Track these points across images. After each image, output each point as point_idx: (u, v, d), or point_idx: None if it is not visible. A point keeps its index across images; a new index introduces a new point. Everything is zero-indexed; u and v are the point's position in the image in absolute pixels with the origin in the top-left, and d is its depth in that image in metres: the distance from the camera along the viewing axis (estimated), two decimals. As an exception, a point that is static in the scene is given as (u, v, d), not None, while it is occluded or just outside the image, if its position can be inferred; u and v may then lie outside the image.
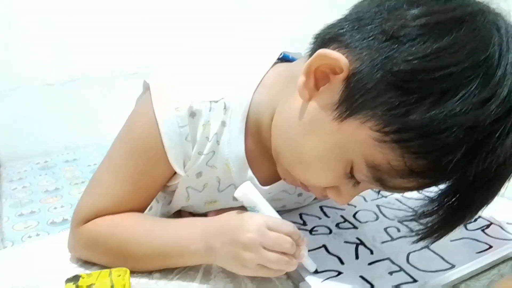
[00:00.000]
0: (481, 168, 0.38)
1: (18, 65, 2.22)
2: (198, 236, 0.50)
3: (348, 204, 0.66)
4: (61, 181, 2.04)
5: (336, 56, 0.42)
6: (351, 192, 0.48)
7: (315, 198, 0.67)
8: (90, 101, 2.36)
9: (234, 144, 0.54)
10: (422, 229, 0.44)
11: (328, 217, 0.63)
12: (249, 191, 0.48)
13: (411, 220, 0.44)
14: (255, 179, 0.56)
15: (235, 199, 0.57)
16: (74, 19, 2.23)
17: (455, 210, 0.42)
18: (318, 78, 0.45)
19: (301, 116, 0.47)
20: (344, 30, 0.43)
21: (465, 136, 0.37)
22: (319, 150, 0.46)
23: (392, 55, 0.39)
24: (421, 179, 0.41)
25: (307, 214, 0.64)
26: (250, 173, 0.55)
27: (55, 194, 1.92)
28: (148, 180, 0.55)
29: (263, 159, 0.55)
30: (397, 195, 0.68)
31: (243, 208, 0.51)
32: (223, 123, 0.53)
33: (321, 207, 0.66)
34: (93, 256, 0.55)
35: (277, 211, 0.50)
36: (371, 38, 0.40)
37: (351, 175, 0.45)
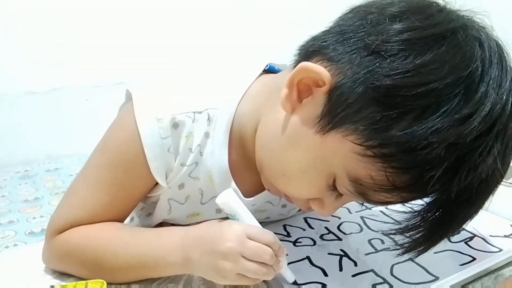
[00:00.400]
0: (463, 184, 0.38)
1: (0, 73, 2.18)
2: (176, 247, 0.48)
3: (333, 216, 0.65)
4: (41, 191, 2.00)
5: (318, 69, 0.42)
6: (334, 204, 0.48)
7: (300, 210, 0.66)
8: (73, 110, 2.33)
9: (218, 156, 0.53)
10: (406, 242, 0.43)
11: (312, 228, 0.63)
12: (230, 198, 0.47)
13: (395, 233, 0.44)
14: (239, 191, 0.55)
15: (218, 211, 0.57)
16: (58, 28, 2.21)
17: (439, 224, 0.42)
18: (301, 91, 0.44)
19: (284, 128, 0.47)
20: (327, 42, 0.43)
21: (446, 152, 0.37)
22: (301, 163, 0.45)
23: (374, 70, 0.39)
24: (404, 194, 0.41)
25: (291, 226, 0.63)
26: (233, 185, 0.55)
27: (34, 204, 1.88)
28: (127, 192, 0.54)
29: (247, 170, 0.54)
30: (381, 207, 0.67)
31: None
32: (207, 135, 0.52)
33: (305, 219, 0.65)
34: (67, 267, 0.54)
35: (261, 223, 0.49)
36: (353, 52, 0.40)
37: (333, 187, 0.45)
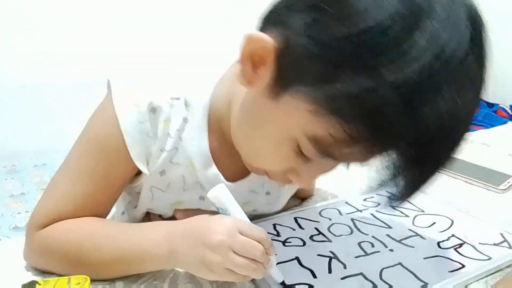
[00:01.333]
0: (421, 126, 0.37)
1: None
2: (162, 239, 0.47)
3: (323, 217, 0.65)
4: (28, 186, 1.98)
5: (260, 36, 0.41)
6: (310, 172, 0.47)
7: (286, 208, 0.66)
8: (63, 106, 2.31)
9: (197, 140, 0.53)
10: (389, 197, 0.44)
11: (303, 229, 0.62)
12: (222, 192, 0.46)
13: (375, 190, 0.44)
14: (221, 176, 0.55)
15: (201, 198, 0.57)
16: (52, 24, 2.20)
17: (413, 172, 0.41)
18: (256, 62, 0.43)
19: (247, 104, 0.47)
20: (276, 7, 0.43)
21: (394, 96, 0.36)
22: (264, 134, 0.45)
23: (312, 26, 0.38)
24: (367, 146, 0.39)
25: (281, 225, 0.63)
26: (215, 169, 0.55)
27: (20, 199, 1.85)
28: (109, 181, 0.53)
29: (228, 155, 0.54)
30: (371, 210, 0.67)
31: (210, 208, 0.51)
32: (185, 120, 0.52)
33: (295, 219, 0.65)
34: (49, 264, 0.52)
35: (251, 219, 0.48)
36: (294, 13, 0.40)
37: (301, 153, 0.44)
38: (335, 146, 0.40)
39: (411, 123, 0.36)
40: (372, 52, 0.36)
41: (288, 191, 0.66)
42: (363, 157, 0.42)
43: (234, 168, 0.56)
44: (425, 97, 0.36)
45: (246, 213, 0.48)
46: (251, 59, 0.43)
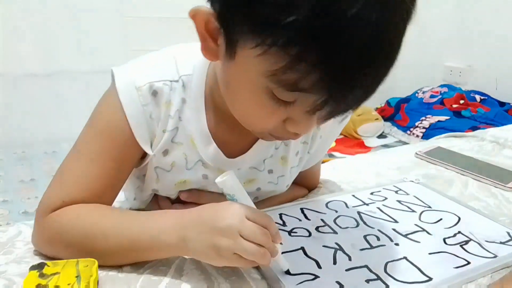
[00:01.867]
0: (328, 19, 0.37)
1: (2, 54, 2.17)
2: (171, 227, 0.48)
3: (329, 209, 0.65)
4: (38, 173, 2.00)
5: (198, 8, 0.45)
6: (303, 119, 0.46)
7: (294, 199, 0.67)
8: (74, 94, 2.32)
9: (196, 119, 0.55)
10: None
11: (309, 219, 0.62)
12: (230, 179, 0.47)
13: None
14: (221, 152, 0.57)
15: (204, 176, 0.58)
16: (62, 12, 2.20)
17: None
18: (214, 36, 0.46)
19: (221, 75, 0.50)
20: None
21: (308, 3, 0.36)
22: (242, 97, 0.47)
23: None
24: (312, 63, 0.39)
25: (287, 215, 0.63)
26: (215, 146, 0.57)
27: (30, 185, 1.87)
28: (117, 163, 0.54)
29: (225, 131, 0.56)
30: (378, 204, 0.67)
31: (213, 188, 0.52)
32: (183, 100, 0.55)
33: (302, 209, 0.65)
34: (57, 250, 0.52)
35: (256, 200, 0.49)
36: None
37: (278, 99, 0.44)
38: (295, 76, 0.40)
39: (325, 21, 0.37)
40: None
41: (291, 170, 0.66)
42: (324, 85, 0.41)
43: (232, 144, 0.57)
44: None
45: (250, 192, 0.49)
46: (208, 34, 0.46)
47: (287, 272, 0.50)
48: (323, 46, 0.38)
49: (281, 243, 0.48)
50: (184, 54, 0.57)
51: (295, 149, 0.64)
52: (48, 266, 0.48)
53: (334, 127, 0.67)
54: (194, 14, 0.45)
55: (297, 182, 0.71)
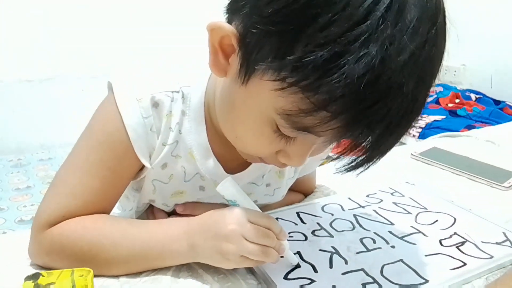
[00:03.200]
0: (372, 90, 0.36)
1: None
2: (181, 234, 0.49)
3: (325, 212, 0.65)
4: (33, 180, 1.99)
5: (219, 24, 0.42)
6: (298, 151, 0.46)
7: (290, 203, 0.67)
8: (69, 100, 2.32)
9: (195, 132, 0.54)
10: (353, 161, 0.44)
11: (305, 223, 0.62)
12: (231, 185, 0.48)
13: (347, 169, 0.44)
14: (220, 166, 0.56)
15: (201, 188, 0.58)
16: (56, 17, 2.20)
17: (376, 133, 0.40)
18: (227, 51, 0.44)
19: (224, 93, 0.49)
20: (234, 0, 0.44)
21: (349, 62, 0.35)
22: (243, 120, 0.46)
23: (256, 4, 0.39)
24: (335, 113, 0.38)
25: (284, 219, 0.63)
26: (214, 160, 0.56)
27: (25, 192, 1.87)
28: (115, 176, 0.53)
29: (223, 146, 0.55)
30: (374, 207, 0.67)
31: (209, 200, 0.53)
32: (183, 112, 0.54)
33: (298, 213, 0.65)
34: (57, 262, 0.51)
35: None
36: None
37: (280, 132, 0.44)
38: (307, 118, 0.40)
39: (357, 81, 0.36)
40: (325, 15, 0.35)
41: (287, 181, 0.66)
42: (340, 131, 0.41)
43: (231, 159, 0.57)
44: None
45: None
46: (221, 49, 0.44)
47: (297, 266, 0.51)
48: (359, 107, 0.38)
49: (287, 239, 0.49)
50: (180, 68, 0.56)
51: None
52: (43, 276, 0.47)
53: None
54: (212, 28, 0.43)
55: (293, 188, 0.71)
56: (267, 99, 0.42)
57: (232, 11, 0.44)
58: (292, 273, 0.50)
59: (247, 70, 0.42)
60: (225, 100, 0.48)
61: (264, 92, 0.41)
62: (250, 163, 0.58)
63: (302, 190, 0.74)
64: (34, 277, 0.47)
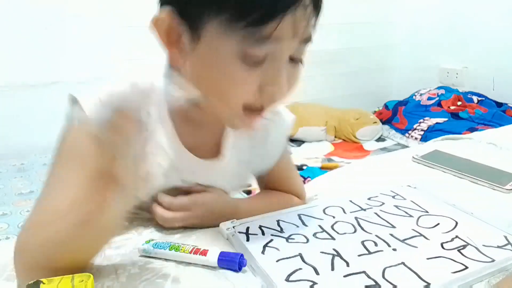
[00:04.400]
0: None
1: (-1, 65, 2.18)
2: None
3: (327, 215, 0.65)
4: (37, 184, 1.99)
5: (154, 17, 0.50)
6: (275, 77, 0.51)
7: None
8: (72, 104, 2.33)
9: (163, 128, 0.59)
10: None
11: (306, 226, 0.62)
12: None
13: None
14: (192, 156, 0.61)
15: (184, 182, 0.63)
16: (59, 22, 2.21)
17: None
18: (177, 38, 0.51)
19: (192, 70, 0.52)
20: None
21: None
22: (214, 75, 0.51)
23: None
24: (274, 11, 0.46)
25: (285, 221, 0.63)
26: (185, 150, 0.60)
27: (29, 197, 1.87)
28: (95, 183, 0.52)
29: (191, 134, 0.60)
30: (376, 209, 0.67)
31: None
32: (148, 113, 0.56)
33: (299, 215, 0.65)
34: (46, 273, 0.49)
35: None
36: None
37: (249, 59, 0.49)
38: (258, 28, 0.47)
39: None
40: None
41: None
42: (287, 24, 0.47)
43: (200, 146, 0.62)
44: None
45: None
46: (170, 40, 0.51)
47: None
48: None
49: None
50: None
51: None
52: (43, 283, 0.47)
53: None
54: (156, 22, 0.50)
55: (279, 189, 0.74)
56: (223, 39, 0.48)
57: (163, 1, 0.51)
58: (293, 275, 0.50)
59: (196, 30, 0.49)
60: (193, 77, 0.52)
61: (218, 36, 0.48)
62: (220, 152, 0.63)
63: (288, 190, 0.76)
64: (35, 284, 0.48)
